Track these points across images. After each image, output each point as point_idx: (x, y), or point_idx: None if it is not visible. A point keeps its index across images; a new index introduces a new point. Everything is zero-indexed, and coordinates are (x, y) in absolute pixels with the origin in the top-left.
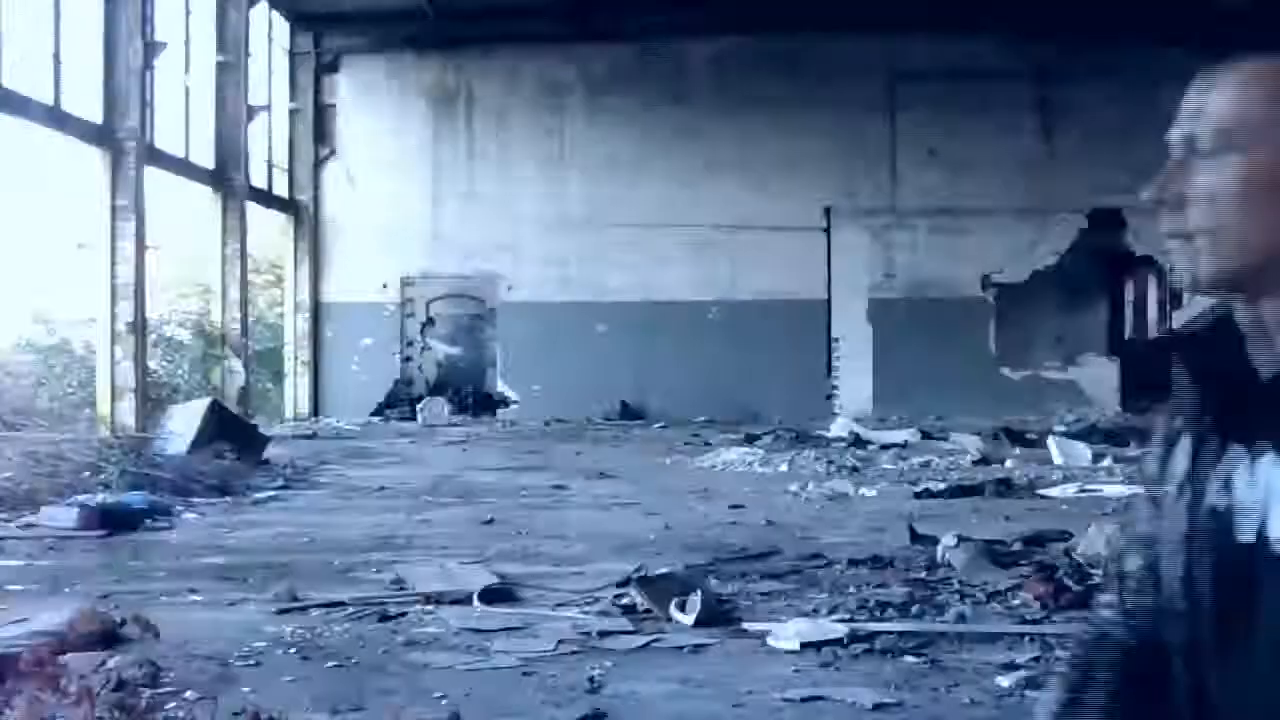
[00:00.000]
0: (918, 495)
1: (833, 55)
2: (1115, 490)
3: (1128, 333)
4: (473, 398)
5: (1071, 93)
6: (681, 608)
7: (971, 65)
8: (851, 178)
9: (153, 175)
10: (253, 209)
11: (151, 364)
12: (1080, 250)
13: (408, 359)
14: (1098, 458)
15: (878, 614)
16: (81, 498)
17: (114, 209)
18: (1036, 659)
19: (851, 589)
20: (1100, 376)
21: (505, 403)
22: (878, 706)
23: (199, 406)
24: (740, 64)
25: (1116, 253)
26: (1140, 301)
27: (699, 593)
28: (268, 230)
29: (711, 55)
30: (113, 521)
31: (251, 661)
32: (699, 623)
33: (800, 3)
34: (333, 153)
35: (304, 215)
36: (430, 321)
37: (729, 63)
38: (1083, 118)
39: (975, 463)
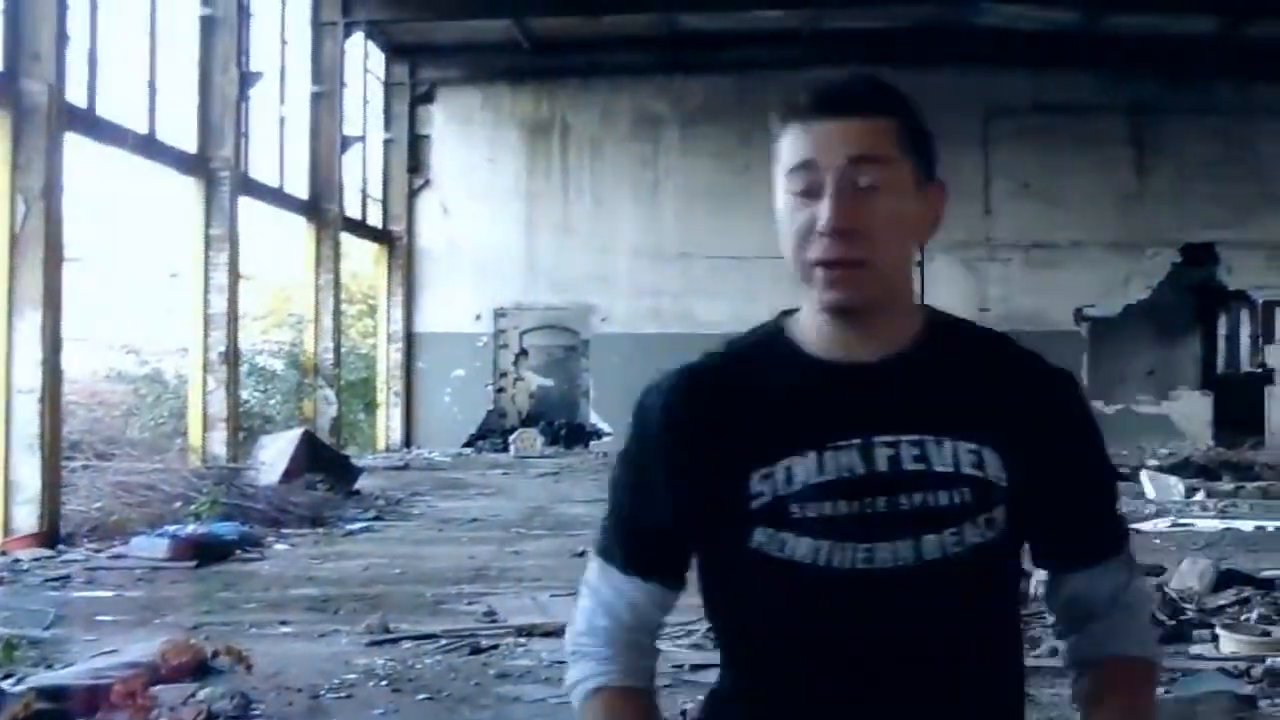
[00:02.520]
0: None
1: (928, 88)
2: (1208, 525)
3: (1220, 367)
4: (565, 429)
5: (1166, 128)
6: None
7: (1067, 99)
8: (946, 210)
9: (247, 205)
10: (346, 239)
11: (243, 394)
12: (1173, 284)
13: (500, 390)
14: (1190, 492)
15: None
16: (172, 528)
17: (207, 238)
18: None
19: None
20: (1193, 410)
21: (598, 434)
22: None
23: (291, 437)
24: None
25: (1209, 287)
26: (1233, 335)
27: None
28: (361, 260)
29: None
30: (204, 552)
31: (343, 694)
32: None
33: (896, 36)
34: (427, 183)
35: (397, 245)
36: (523, 353)
37: None
38: (1176, 152)
39: None
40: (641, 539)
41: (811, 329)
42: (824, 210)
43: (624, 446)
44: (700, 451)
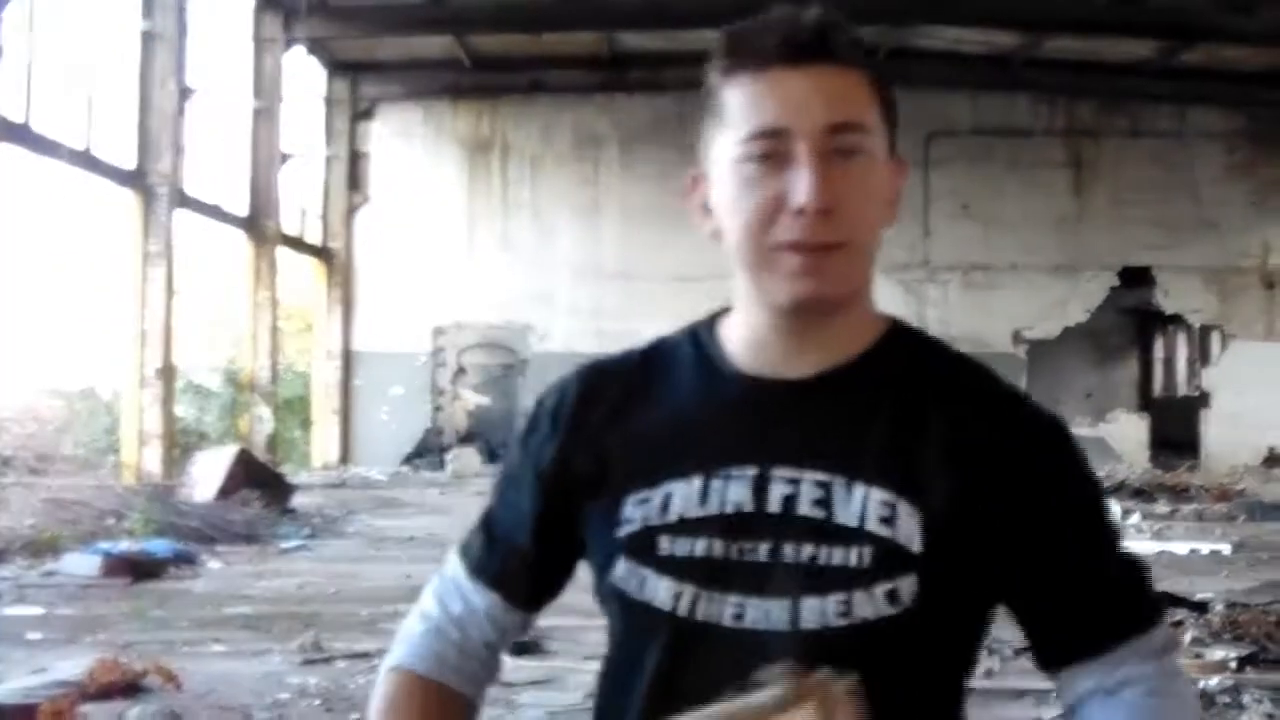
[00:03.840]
0: None
1: None
2: (1143, 547)
3: (1157, 390)
4: (503, 448)
5: (1104, 151)
6: None
7: (1005, 122)
8: (884, 231)
9: (184, 220)
10: (284, 255)
11: (179, 410)
12: (1111, 307)
13: (438, 408)
14: (1126, 514)
15: None
16: (105, 545)
17: (144, 254)
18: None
19: None
20: (1130, 433)
21: None
22: None
23: (226, 454)
24: None
25: (1146, 310)
26: (1170, 358)
27: None
28: (299, 277)
29: None
30: (136, 569)
31: (275, 713)
32: None
33: None
34: (366, 200)
35: (336, 262)
36: (461, 371)
37: None
38: (1114, 176)
39: None
40: (496, 547)
41: (742, 331)
42: (803, 183)
43: (510, 445)
44: (580, 462)
